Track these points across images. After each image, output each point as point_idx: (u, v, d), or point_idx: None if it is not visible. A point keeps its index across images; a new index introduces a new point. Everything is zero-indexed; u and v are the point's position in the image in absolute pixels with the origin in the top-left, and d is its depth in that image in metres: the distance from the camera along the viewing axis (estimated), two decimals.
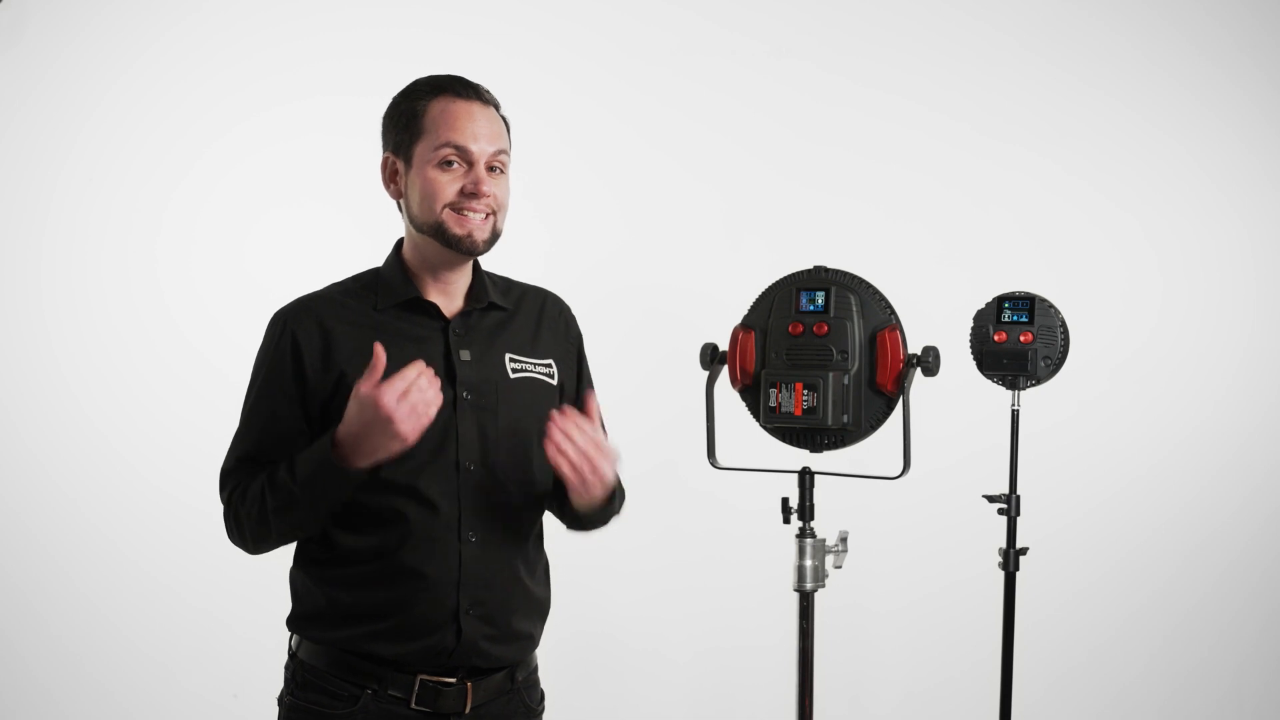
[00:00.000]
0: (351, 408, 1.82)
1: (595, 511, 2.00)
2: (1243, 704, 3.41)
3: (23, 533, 3.45)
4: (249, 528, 1.92)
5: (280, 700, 2.00)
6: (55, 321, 3.47)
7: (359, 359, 1.89)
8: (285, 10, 3.50)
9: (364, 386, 1.79)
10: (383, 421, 1.78)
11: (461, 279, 2.01)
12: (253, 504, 1.90)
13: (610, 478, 1.94)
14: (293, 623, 2.00)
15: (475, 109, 1.94)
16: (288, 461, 1.88)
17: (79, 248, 3.46)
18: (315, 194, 3.48)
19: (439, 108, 1.94)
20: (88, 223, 3.47)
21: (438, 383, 1.82)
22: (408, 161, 1.95)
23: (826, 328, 2.39)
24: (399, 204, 2.01)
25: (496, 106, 1.99)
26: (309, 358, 1.93)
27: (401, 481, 1.90)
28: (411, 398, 1.78)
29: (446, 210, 1.91)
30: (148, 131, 3.47)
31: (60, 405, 3.46)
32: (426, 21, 3.50)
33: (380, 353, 1.81)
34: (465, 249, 1.93)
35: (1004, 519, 2.70)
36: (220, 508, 1.98)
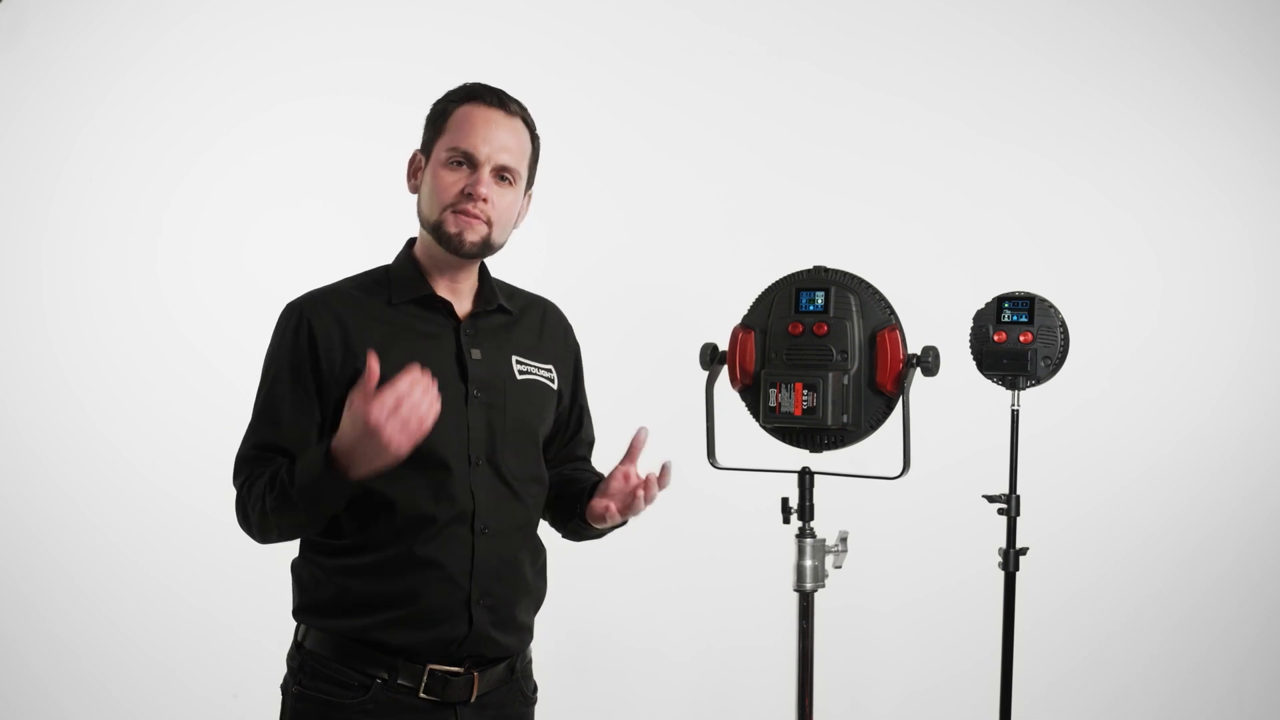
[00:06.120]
0: (345, 419, 1.79)
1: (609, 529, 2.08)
2: (1243, 704, 3.41)
3: (23, 533, 3.45)
4: (255, 521, 1.93)
5: (285, 689, 2.00)
6: (55, 321, 3.46)
7: (379, 352, 1.89)
8: (285, 10, 3.50)
9: (356, 399, 1.76)
10: (372, 435, 1.75)
11: (469, 281, 2.04)
12: (257, 500, 1.90)
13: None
14: (299, 613, 2.00)
15: (495, 117, 1.98)
16: (289, 464, 1.88)
17: (79, 248, 3.46)
18: (315, 194, 3.47)
19: (463, 112, 1.98)
20: (88, 223, 3.46)
21: (433, 390, 1.77)
22: (427, 159, 2.00)
23: (826, 328, 2.39)
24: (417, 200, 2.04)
25: (526, 123, 2.02)
26: (325, 347, 1.93)
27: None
28: (402, 411, 1.74)
29: (447, 211, 1.95)
30: (148, 131, 3.47)
31: (60, 405, 3.46)
32: (426, 21, 3.50)
33: (374, 365, 1.76)
34: (453, 247, 1.96)
35: (1004, 519, 2.70)
36: (232, 495, 1.97)
